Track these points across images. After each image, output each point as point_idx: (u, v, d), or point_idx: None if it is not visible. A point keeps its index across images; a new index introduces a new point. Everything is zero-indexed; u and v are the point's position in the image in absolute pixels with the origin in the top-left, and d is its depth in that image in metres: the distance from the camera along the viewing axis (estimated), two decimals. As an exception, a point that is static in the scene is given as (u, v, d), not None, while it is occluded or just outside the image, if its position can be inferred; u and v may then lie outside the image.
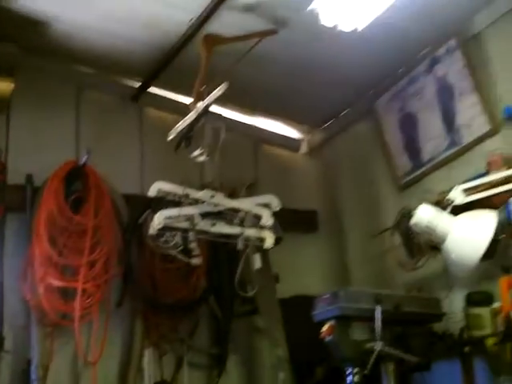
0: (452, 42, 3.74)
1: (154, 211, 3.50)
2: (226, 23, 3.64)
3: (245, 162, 4.73)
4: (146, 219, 3.75)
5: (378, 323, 3.00)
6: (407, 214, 3.59)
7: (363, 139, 4.56)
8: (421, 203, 3.22)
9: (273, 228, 3.66)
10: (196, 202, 3.56)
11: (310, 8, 2.66)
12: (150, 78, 4.28)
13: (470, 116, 3.65)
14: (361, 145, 4.60)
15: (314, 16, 2.67)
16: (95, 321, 3.85)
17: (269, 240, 3.63)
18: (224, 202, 3.60)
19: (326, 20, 2.68)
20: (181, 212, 3.49)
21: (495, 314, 3.13)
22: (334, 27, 2.73)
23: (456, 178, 3.67)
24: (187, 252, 3.63)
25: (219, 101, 3.50)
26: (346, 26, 2.74)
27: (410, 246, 3.70)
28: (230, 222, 3.60)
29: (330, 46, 3.56)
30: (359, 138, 4.62)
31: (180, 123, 3.59)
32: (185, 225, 3.52)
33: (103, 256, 3.87)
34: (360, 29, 2.78)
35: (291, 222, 4.35)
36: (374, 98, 4.39)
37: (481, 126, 3.59)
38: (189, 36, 3.74)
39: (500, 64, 3.58)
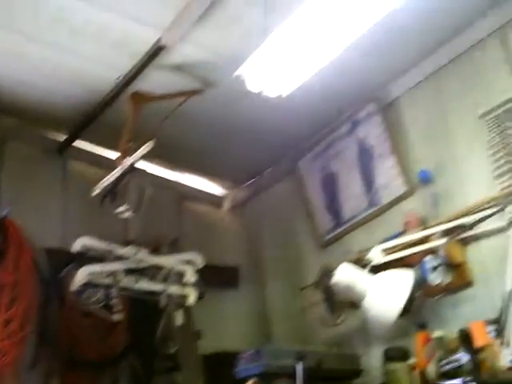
0: (371, 107, 3.94)
1: (77, 266, 3.47)
2: (154, 81, 3.71)
3: (168, 218, 4.72)
4: (67, 274, 3.70)
5: (300, 380, 3.04)
6: (328, 272, 3.67)
7: (286, 197, 4.66)
8: (341, 261, 3.34)
9: (196, 284, 3.69)
10: (120, 258, 3.56)
11: (236, 74, 2.74)
12: (76, 132, 4.25)
13: (388, 178, 3.83)
14: (283, 202, 4.70)
15: (240, 80, 2.75)
16: (8, 382, 3.71)
17: (191, 297, 3.65)
18: (148, 258, 3.61)
19: (252, 86, 2.77)
20: (104, 268, 3.47)
21: (411, 369, 3.22)
22: (260, 93, 2.82)
23: (375, 236, 3.82)
24: (109, 308, 3.60)
25: (144, 156, 3.54)
26: (271, 92, 2.84)
27: (330, 303, 3.75)
28: (154, 279, 3.61)
29: (254, 107, 3.67)
30: (282, 195, 4.71)
31: (105, 179, 3.60)
32: (108, 281, 3.50)
33: (20, 313, 3.76)
34: (284, 95, 2.88)
35: (214, 277, 4.35)
36: (296, 158, 4.51)
37: (398, 187, 3.76)
38: (116, 93, 3.77)
39: (415, 129, 3.80)
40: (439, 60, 3.66)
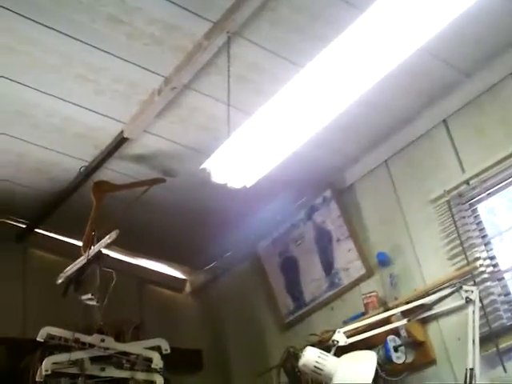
0: (327, 193, 4.10)
1: (41, 356, 3.44)
2: (117, 171, 3.81)
3: (129, 302, 4.69)
4: (27, 364, 3.65)
5: None
6: (293, 353, 3.73)
7: (246, 280, 4.72)
8: (304, 342, 3.40)
9: (161, 370, 3.69)
10: (85, 345, 3.55)
11: (202, 166, 2.86)
12: (37, 220, 4.24)
13: (347, 260, 3.95)
14: (244, 285, 4.75)
15: (201, 170, 2.86)
16: None
17: (159, 383, 3.64)
18: (114, 345, 3.60)
19: (218, 177, 2.88)
20: (70, 357, 3.45)
21: None
22: (225, 184, 2.93)
23: (337, 317, 3.93)
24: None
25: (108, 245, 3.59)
26: (235, 184, 2.95)
27: (296, 384, 3.80)
28: (120, 366, 3.60)
29: (215, 195, 3.78)
30: (242, 278, 4.77)
31: (69, 267, 3.60)
32: (74, 370, 3.48)
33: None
34: (248, 185, 3.00)
35: (176, 361, 4.30)
36: (256, 242, 4.60)
37: (357, 269, 3.88)
38: (79, 182, 3.82)
39: (371, 213, 3.96)
40: (391, 148, 3.87)
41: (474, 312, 2.89)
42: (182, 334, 4.76)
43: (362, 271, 3.86)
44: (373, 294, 3.65)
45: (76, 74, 3.09)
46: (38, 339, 3.45)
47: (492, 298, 3.19)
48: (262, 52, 3.04)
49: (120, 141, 3.52)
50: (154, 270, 5.04)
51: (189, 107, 3.39)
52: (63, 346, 3.51)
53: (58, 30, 2.83)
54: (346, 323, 3.55)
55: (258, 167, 2.96)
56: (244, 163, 2.90)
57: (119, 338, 3.80)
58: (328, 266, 4.07)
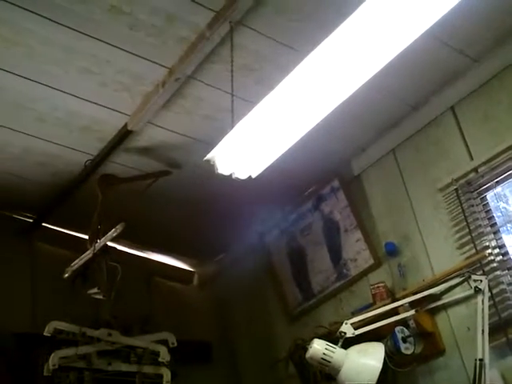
0: (335, 183, 4.07)
1: (49, 350, 3.44)
2: (122, 164, 3.79)
3: (138, 295, 4.69)
4: (37, 359, 3.65)
5: None
6: (301, 345, 3.71)
7: (255, 272, 4.70)
8: (313, 334, 3.38)
9: (169, 363, 3.68)
10: (92, 339, 3.54)
11: (206, 158, 2.82)
12: (44, 215, 4.24)
13: (355, 251, 3.92)
14: (252, 277, 4.73)
15: (207, 161, 2.83)
16: None
17: (166, 376, 3.63)
18: (121, 339, 3.60)
19: (222, 169, 2.84)
20: (77, 352, 3.45)
21: None
22: (230, 175, 2.90)
23: (345, 308, 3.91)
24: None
25: (114, 238, 3.58)
26: (241, 174, 2.92)
27: (304, 376, 3.78)
28: (128, 360, 3.60)
29: (222, 186, 3.76)
30: (251, 270, 4.75)
31: (76, 261, 3.60)
32: (81, 364, 3.48)
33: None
34: (254, 176, 2.97)
35: (185, 354, 4.31)
36: (263, 233, 4.59)
37: (365, 260, 3.86)
38: (85, 176, 3.80)
39: (379, 203, 3.93)
40: (398, 136, 3.84)
41: (483, 301, 2.86)
42: (191, 326, 4.75)
43: (370, 261, 3.83)
44: (381, 284, 3.61)
45: (79, 67, 3.07)
46: (44, 334, 3.46)
47: (501, 287, 3.15)
48: (266, 40, 3.00)
49: (124, 133, 3.50)
50: (161, 263, 5.03)
51: (193, 98, 3.36)
52: (71, 341, 3.52)
53: (59, 23, 2.80)
54: (354, 314, 3.52)
55: (264, 157, 2.91)
56: (249, 153, 2.85)
57: (127, 331, 3.81)
58: (336, 257, 4.05)
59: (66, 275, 3.62)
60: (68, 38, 2.88)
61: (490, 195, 3.40)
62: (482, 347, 2.76)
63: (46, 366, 3.39)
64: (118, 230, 3.47)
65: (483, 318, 2.83)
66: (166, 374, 3.63)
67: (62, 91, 3.21)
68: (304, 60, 2.49)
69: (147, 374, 3.61)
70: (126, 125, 3.45)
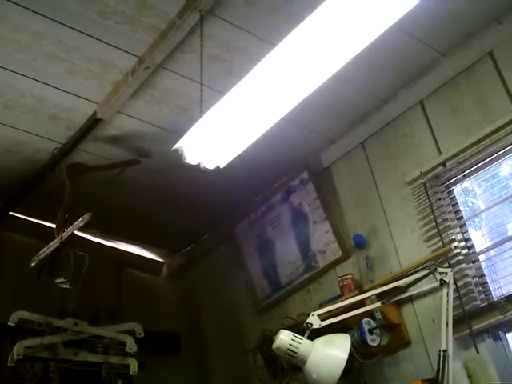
0: (305, 175, 4.07)
1: (14, 341, 3.40)
2: (91, 152, 3.75)
3: (107, 286, 4.66)
4: (1, 349, 3.60)
5: None
6: (269, 336, 3.71)
7: (224, 263, 4.70)
8: (281, 325, 3.39)
9: (136, 354, 3.67)
10: (58, 329, 3.51)
11: (174, 147, 2.81)
12: (11, 203, 4.16)
13: (324, 243, 3.93)
14: (222, 268, 4.73)
15: (176, 151, 2.81)
16: None
17: (133, 366, 3.62)
18: (88, 329, 3.57)
19: (190, 158, 2.83)
20: (42, 341, 3.42)
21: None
22: (198, 164, 2.89)
23: (313, 300, 3.92)
24: (47, 381, 3.52)
25: (82, 227, 3.54)
26: (209, 164, 2.91)
27: (272, 367, 3.78)
28: (94, 350, 3.57)
29: (191, 175, 3.75)
30: (220, 261, 4.75)
31: (42, 250, 3.56)
32: (46, 354, 3.45)
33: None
34: (222, 166, 2.96)
35: (154, 344, 4.32)
36: (233, 224, 4.58)
37: (333, 252, 3.87)
38: (53, 164, 3.76)
39: (348, 195, 3.94)
40: (367, 129, 3.86)
41: (448, 294, 2.90)
42: (160, 317, 4.73)
43: (339, 254, 3.85)
44: (349, 276, 3.63)
45: (48, 54, 3.03)
46: (9, 323, 3.42)
47: (466, 280, 3.19)
48: (236, 30, 2.99)
49: (93, 122, 3.47)
50: (131, 253, 5.01)
51: (162, 87, 3.34)
52: (36, 330, 3.48)
53: (28, 8, 2.75)
54: (322, 306, 3.53)
55: (232, 148, 2.91)
56: (217, 143, 2.85)
57: (94, 321, 3.78)
58: (304, 249, 4.06)
59: (33, 264, 3.57)
60: (36, 24, 2.85)
61: (457, 189, 3.43)
62: (446, 339, 2.80)
63: (10, 355, 3.34)
64: (86, 220, 3.42)
65: (448, 310, 2.86)
66: (133, 365, 3.61)
67: (29, 78, 3.16)
68: (273, 50, 2.49)
69: (114, 364, 3.58)
70: (95, 113, 3.42)
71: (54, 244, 3.50)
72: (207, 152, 2.86)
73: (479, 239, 3.30)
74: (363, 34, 2.44)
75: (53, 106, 3.38)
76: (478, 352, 3.02)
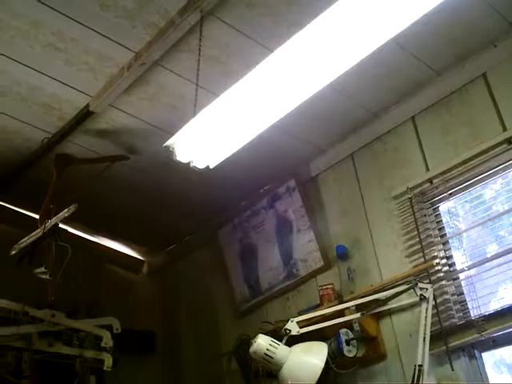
0: (292, 182, 4.09)
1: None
2: (80, 144, 3.74)
3: (86, 279, 4.61)
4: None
5: None
6: (245, 341, 3.71)
7: (205, 265, 4.70)
8: (258, 330, 3.38)
9: (111, 350, 3.64)
10: (34, 320, 3.48)
11: (165, 145, 2.81)
12: (-4, 191, 4.18)
13: (307, 251, 3.94)
14: (202, 270, 4.72)
15: (165, 149, 2.82)
16: None
17: (108, 362, 3.59)
18: (65, 321, 3.53)
19: (181, 156, 2.83)
20: (17, 331, 3.38)
21: None
22: (188, 163, 2.89)
23: (292, 307, 3.93)
24: (19, 372, 3.49)
25: (65, 219, 3.52)
26: (199, 163, 2.91)
27: (246, 372, 3.79)
28: (69, 343, 3.54)
29: (178, 175, 3.75)
30: (201, 263, 4.75)
31: (24, 239, 3.54)
32: (20, 344, 3.41)
33: None
34: (212, 166, 2.97)
35: (129, 342, 4.31)
36: (216, 227, 4.58)
37: (315, 261, 3.88)
38: (41, 153, 3.74)
39: (333, 206, 3.96)
40: (357, 141, 3.88)
41: (426, 309, 2.93)
42: (137, 315, 4.73)
43: (320, 263, 3.85)
44: (329, 286, 3.64)
45: (45, 42, 3.01)
46: (-16, 311, 3.39)
47: (445, 297, 3.21)
48: (235, 33, 3.00)
49: (85, 114, 3.45)
50: (112, 249, 4.98)
51: (157, 85, 3.33)
52: (12, 319, 3.45)
53: (27, -5, 2.75)
54: (300, 314, 3.54)
55: (223, 149, 2.92)
56: (209, 144, 2.86)
57: (71, 314, 3.76)
58: (287, 256, 4.06)
59: (13, 252, 3.54)
60: (37, 12, 2.83)
61: (442, 206, 3.46)
62: (422, 354, 2.82)
63: (-16, 344, 3.32)
64: (71, 211, 3.40)
65: (426, 325, 2.89)
66: (108, 360, 3.57)
67: (25, 65, 3.14)
68: (269, 56, 2.51)
69: (88, 358, 3.55)
70: (87, 105, 3.41)
71: (37, 233, 3.48)
72: (198, 151, 2.87)
73: (460, 258, 3.32)
74: (360, 46, 2.46)
75: (46, 96, 3.36)
76: (452, 369, 3.04)
